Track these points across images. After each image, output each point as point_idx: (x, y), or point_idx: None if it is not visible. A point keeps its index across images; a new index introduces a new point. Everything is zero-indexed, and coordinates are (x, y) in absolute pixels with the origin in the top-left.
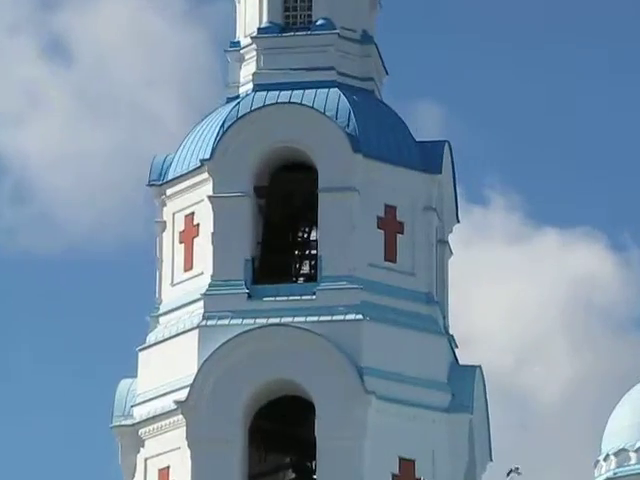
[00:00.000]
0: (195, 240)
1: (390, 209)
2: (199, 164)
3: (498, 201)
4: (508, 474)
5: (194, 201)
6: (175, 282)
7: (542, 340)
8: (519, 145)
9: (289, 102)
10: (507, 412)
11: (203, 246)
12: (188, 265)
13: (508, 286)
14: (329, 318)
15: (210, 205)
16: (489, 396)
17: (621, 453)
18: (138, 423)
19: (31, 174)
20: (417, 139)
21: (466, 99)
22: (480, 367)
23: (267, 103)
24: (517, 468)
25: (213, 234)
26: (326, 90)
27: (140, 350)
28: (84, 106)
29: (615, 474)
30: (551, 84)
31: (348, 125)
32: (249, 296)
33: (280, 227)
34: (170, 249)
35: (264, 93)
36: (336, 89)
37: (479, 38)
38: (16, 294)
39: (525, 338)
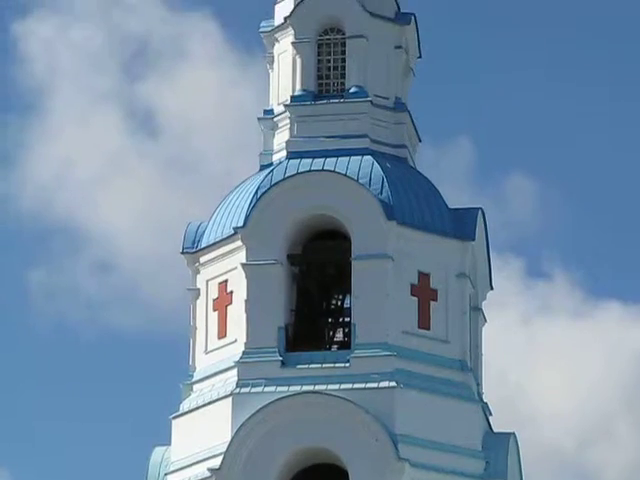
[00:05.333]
0: (229, 308)
1: (424, 276)
2: (232, 232)
3: (560, 275)
4: None
5: (227, 269)
6: (209, 350)
7: (605, 418)
8: (581, 220)
9: (322, 170)
10: None
11: (237, 313)
12: (222, 333)
13: (570, 362)
14: (363, 385)
15: (243, 273)
16: (554, 475)
17: None
18: None
19: (113, 245)
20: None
21: (534, 171)
22: (514, 434)
23: (300, 171)
24: None
25: (246, 302)
26: (359, 157)
27: (174, 418)
28: (169, 177)
29: None
30: (618, 158)
31: (381, 192)
32: (283, 364)
33: (313, 295)
34: (204, 316)
35: (297, 161)
36: (369, 156)
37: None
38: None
39: (587, 416)
